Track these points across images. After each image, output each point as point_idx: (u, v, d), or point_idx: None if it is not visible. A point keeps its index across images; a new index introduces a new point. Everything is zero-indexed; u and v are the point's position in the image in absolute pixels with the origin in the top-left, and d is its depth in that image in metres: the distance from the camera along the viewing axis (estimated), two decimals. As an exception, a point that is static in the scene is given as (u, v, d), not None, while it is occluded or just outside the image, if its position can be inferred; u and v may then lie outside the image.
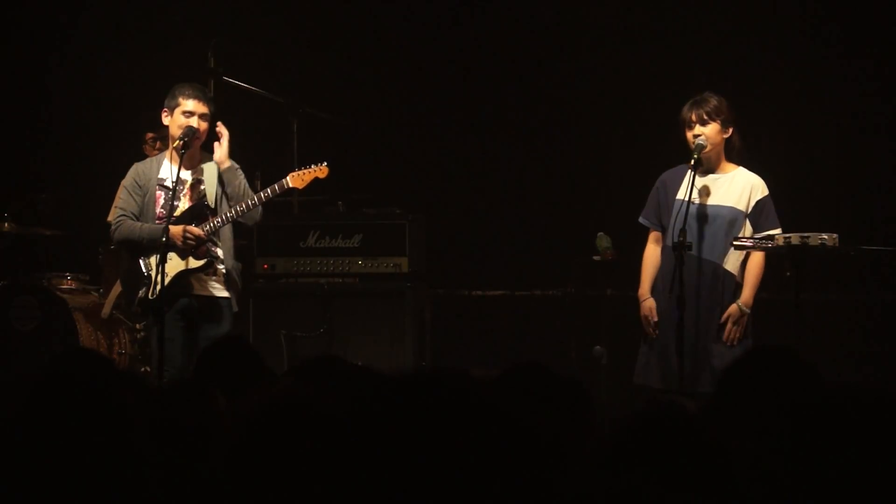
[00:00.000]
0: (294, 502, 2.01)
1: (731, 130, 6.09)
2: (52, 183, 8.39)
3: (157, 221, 6.32)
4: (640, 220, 6.30)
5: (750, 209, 6.07)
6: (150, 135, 7.28)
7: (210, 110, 6.35)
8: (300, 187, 6.48)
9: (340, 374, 2.97)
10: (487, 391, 1.79)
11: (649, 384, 6.09)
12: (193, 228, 6.24)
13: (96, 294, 7.62)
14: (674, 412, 1.96)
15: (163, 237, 6.13)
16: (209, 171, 6.42)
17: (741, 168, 6.13)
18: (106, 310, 7.38)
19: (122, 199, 6.44)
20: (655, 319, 6.09)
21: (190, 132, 6.27)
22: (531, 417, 1.82)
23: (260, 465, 2.05)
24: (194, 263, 6.31)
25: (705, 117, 6.03)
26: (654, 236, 6.24)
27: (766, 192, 6.10)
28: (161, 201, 6.37)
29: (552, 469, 1.79)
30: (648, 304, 6.15)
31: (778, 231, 6.01)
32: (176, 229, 6.20)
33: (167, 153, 6.44)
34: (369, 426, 1.80)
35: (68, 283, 7.73)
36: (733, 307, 6.00)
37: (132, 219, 6.36)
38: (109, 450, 2.22)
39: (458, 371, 1.79)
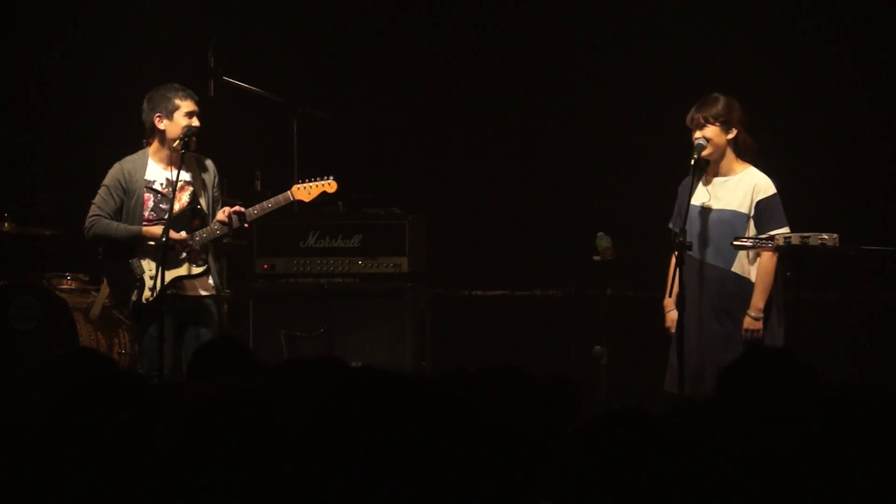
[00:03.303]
0: (230, 497, 2.01)
1: (734, 132, 6.05)
2: (52, 183, 8.38)
3: (144, 224, 6.30)
4: (670, 225, 6.22)
5: (752, 210, 6.04)
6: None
7: (199, 107, 6.38)
8: (306, 200, 6.46)
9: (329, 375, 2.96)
10: (459, 391, 1.79)
11: (669, 391, 6.05)
12: (175, 235, 6.21)
13: (96, 294, 7.62)
14: (633, 416, 1.95)
15: (162, 237, 6.13)
16: (199, 172, 6.41)
17: (750, 168, 6.07)
18: (95, 310, 7.35)
19: (101, 198, 6.37)
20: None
21: (191, 132, 6.27)
22: (502, 418, 1.81)
23: (197, 460, 2.04)
24: (195, 270, 6.31)
25: (702, 121, 6.01)
26: None
27: (770, 191, 6.03)
28: (150, 204, 6.34)
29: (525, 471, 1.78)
30: (672, 316, 6.03)
31: (784, 230, 5.94)
32: (156, 230, 6.19)
33: (150, 152, 6.39)
34: (318, 424, 1.80)
35: (68, 283, 7.72)
36: (746, 319, 5.98)
37: (108, 218, 6.33)
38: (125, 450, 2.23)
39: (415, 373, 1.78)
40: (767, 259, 5.98)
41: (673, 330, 6.01)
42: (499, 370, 3.09)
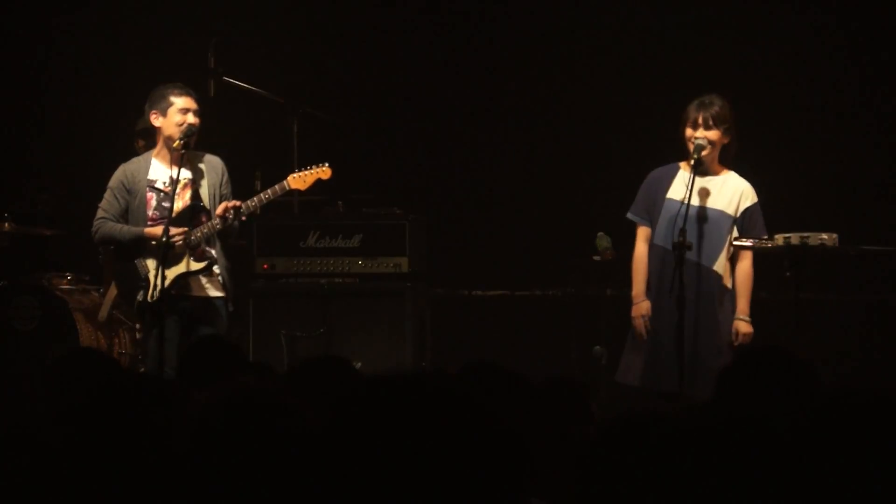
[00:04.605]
0: (246, 497, 2.01)
1: (730, 138, 6.05)
2: (52, 183, 8.39)
3: (148, 223, 6.32)
4: (630, 216, 6.23)
5: (738, 215, 6.05)
6: (141, 142, 7.23)
7: (199, 106, 6.38)
8: (302, 189, 6.51)
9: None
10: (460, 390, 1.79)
11: (630, 383, 6.08)
12: (175, 230, 6.22)
13: (96, 294, 7.62)
14: (650, 417, 1.95)
15: (163, 237, 6.13)
16: (204, 170, 6.41)
17: (732, 172, 6.11)
18: (103, 313, 7.36)
19: (106, 201, 6.42)
20: (648, 322, 6.06)
21: (191, 130, 6.28)
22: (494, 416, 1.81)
23: (212, 458, 2.04)
24: (195, 266, 6.32)
25: (711, 122, 5.98)
26: (644, 233, 6.17)
27: (755, 199, 6.07)
28: (153, 203, 6.35)
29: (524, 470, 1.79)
30: (645, 305, 6.08)
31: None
32: (157, 231, 6.20)
33: (153, 153, 6.43)
34: (329, 425, 1.80)
35: (68, 283, 7.72)
36: (736, 323, 5.97)
37: (113, 221, 6.36)
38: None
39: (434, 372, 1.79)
40: (749, 263, 6.02)
41: (645, 320, 6.04)
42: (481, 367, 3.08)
